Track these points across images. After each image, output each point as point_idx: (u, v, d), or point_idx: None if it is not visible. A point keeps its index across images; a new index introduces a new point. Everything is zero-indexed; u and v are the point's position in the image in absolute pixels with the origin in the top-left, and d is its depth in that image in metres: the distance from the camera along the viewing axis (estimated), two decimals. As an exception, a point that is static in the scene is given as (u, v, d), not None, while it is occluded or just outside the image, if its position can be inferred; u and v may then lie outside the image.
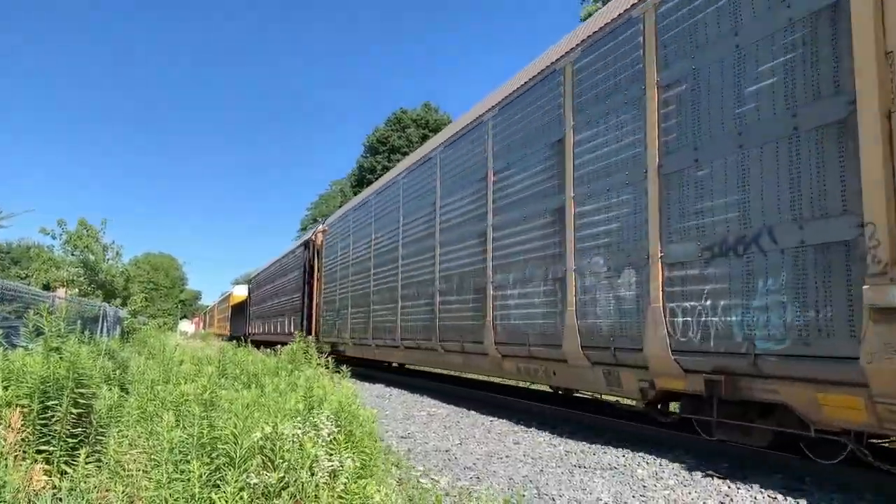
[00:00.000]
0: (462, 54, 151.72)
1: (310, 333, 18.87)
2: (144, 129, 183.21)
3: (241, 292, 43.97)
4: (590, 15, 23.91)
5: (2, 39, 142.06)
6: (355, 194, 37.20)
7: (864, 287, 4.03)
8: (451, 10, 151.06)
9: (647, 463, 5.61)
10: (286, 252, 26.91)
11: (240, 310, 41.30)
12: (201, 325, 76.40)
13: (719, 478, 4.99)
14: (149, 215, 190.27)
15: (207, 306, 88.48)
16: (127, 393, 4.58)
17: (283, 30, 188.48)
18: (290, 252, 25.15)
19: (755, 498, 4.49)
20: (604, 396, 9.76)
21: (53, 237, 30.32)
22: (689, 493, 4.67)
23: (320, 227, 20.54)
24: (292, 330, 21.15)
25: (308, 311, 20.21)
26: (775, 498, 4.46)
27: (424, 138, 45.11)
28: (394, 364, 17.22)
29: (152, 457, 3.05)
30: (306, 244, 21.17)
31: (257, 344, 21.28)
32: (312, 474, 3.07)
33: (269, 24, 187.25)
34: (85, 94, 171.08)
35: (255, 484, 2.92)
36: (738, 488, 4.73)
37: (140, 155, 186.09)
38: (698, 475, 5.13)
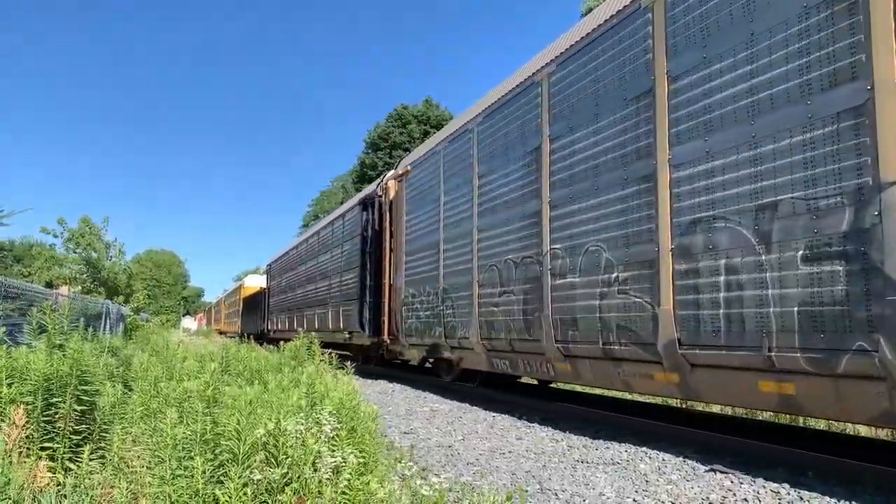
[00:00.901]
0: (462, 54, 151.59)
1: (379, 332, 13.41)
2: (144, 129, 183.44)
3: (253, 283, 39.93)
4: (590, 10, 23.64)
5: (2, 39, 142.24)
6: (357, 191, 36.14)
7: None
8: (451, 10, 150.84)
9: (650, 458, 5.61)
10: (327, 220, 20.12)
11: (254, 303, 35.76)
12: (204, 321, 76.41)
13: (722, 472, 5.00)
14: (150, 215, 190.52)
15: (210, 303, 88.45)
16: (130, 390, 4.60)
17: (283, 30, 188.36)
18: (336, 218, 18.31)
19: (758, 492, 4.49)
20: (606, 392, 9.64)
21: (55, 236, 30.45)
22: (692, 487, 4.67)
23: (393, 173, 13.89)
24: (342, 326, 15.85)
25: (373, 297, 13.77)
26: (778, 492, 4.46)
27: (426, 134, 45.04)
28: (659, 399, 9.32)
29: (156, 453, 3.06)
30: (366, 202, 14.66)
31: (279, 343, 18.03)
32: (315, 470, 3.08)
33: (269, 24, 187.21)
34: (85, 94, 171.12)
35: (258, 480, 2.93)
36: (741, 482, 4.73)
37: (140, 155, 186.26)
38: (701, 470, 5.13)
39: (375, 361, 15.46)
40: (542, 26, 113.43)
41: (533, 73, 8.27)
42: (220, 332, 47.31)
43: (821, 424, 7.35)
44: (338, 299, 16.68)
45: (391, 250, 13.13)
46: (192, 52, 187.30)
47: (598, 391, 10.35)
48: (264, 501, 2.94)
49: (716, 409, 8.66)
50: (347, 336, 15.55)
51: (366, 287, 13.99)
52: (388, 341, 12.99)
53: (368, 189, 15.77)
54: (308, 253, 21.64)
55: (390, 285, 12.94)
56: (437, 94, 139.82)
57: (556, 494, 4.56)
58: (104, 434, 3.73)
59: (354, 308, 14.72)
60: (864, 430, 6.94)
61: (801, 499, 4.31)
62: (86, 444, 3.50)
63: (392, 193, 13.42)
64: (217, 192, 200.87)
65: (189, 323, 77.13)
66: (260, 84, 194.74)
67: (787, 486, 4.58)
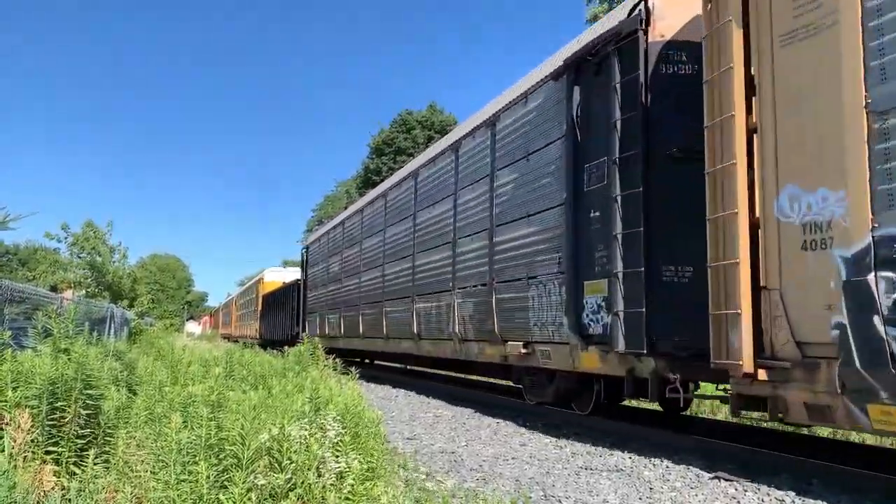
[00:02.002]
0: (464, 55, 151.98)
1: (705, 350, 5.23)
2: (145, 129, 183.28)
3: (275, 277, 34.73)
4: (596, 17, 23.37)
5: (2, 39, 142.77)
6: (361, 196, 35.33)
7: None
8: (452, 10, 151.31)
9: (654, 465, 5.60)
10: (441, 146, 11.69)
11: (280, 301, 28.43)
12: (208, 325, 76.38)
13: (726, 480, 4.98)
14: (152, 218, 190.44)
15: (213, 307, 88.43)
16: (135, 394, 4.61)
17: (283, 30, 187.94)
18: (470, 134, 10.05)
19: (762, 500, 4.48)
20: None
21: (59, 241, 30.62)
22: (697, 495, 4.65)
23: None
24: (496, 329, 8.62)
25: (652, 264, 6.03)
26: (783, 500, 4.45)
27: (430, 139, 45.10)
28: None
29: (160, 458, 3.06)
30: (584, 63, 7.04)
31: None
32: (319, 475, 3.08)
33: (269, 24, 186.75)
34: (85, 93, 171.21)
35: (262, 485, 2.93)
36: (746, 490, 4.72)
37: (141, 156, 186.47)
38: (705, 477, 5.11)
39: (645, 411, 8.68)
40: (542, 28, 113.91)
41: None
42: (228, 338, 46.29)
43: (825, 432, 7.32)
44: (478, 280, 9.35)
45: (755, 133, 5.04)
46: (192, 52, 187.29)
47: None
48: (268, 506, 2.95)
49: (720, 416, 8.63)
50: (521, 351, 8.15)
51: (608, 243, 6.52)
52: (766, 376, 4.88)
53: (580, 40, 7.65)
54: (393, 213, 13.58)
55: (754, 224, 5.03)
56: (439, 95, 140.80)
57: (560, 501, 4.54)
58: (108, 438, 3.73)
59: (545, 293, 7.68)
60: (870, 439, 6.91)
61: (807, 507, 4.29)
62: (90, 448, 3.50)
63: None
64: (218, 192, 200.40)
65: (193, 327, 77.19)
66: (260, 84, 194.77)
67: (792, 493, 4.56)
